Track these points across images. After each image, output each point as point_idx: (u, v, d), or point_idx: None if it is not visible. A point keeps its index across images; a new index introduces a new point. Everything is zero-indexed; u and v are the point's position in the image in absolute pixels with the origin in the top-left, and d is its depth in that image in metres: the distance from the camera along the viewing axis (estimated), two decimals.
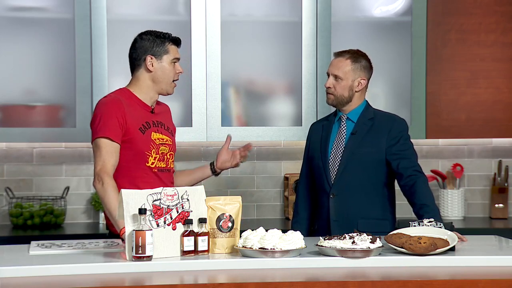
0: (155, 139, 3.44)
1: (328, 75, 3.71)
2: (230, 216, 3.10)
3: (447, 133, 4.69)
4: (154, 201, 2.97)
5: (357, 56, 3.69)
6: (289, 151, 4.89)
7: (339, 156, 3.67)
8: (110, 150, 3.34)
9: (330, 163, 3.69)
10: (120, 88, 3.50)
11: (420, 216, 3.44)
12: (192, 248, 2.99)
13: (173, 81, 3.48)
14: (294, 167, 4.85)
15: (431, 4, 4.61)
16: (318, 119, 4.10)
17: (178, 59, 3.49)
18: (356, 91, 3.68)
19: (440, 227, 3.19)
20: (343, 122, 3.72)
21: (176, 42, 3.50)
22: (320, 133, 3.78)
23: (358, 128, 3.68)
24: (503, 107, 4.69)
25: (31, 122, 4.42)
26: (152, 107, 3.50)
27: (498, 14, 4.67)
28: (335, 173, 3.67)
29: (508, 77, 4.70)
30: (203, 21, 4.48)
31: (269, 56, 4.60)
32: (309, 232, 3.80)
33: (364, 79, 3.69)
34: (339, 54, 3.72)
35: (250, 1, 4.59)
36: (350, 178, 3.64)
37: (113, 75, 4.43)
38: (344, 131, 3.70)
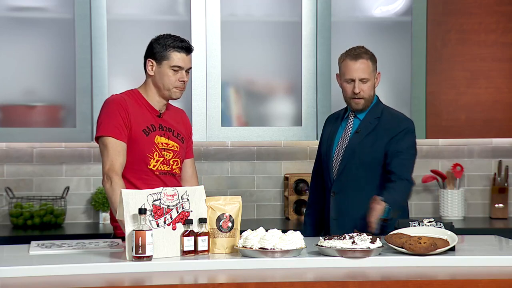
0: (158, 143, 3.42)
1: (349, 81, 3.61)
2: (230, 216, 3.10)
3: (447, 133, 4.69)
4: (154, 201, 2.97)
5: (370, 54, 3.65)
6: (289, 151, 4.88)
7: (341, 154, 3.66)
8: (117, 149, 3.32)
9: (334, 161, 3.67)
10: (131, 89, 3.49)
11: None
12: (192, 248, 2.99)
13: (176, 88, 3.41)
14: (294, 167, 4.85)
15: (431, 4, 4.61)
16: (331, 113, 4.01)
17: (179, 67, 3.40)
18: (375, 87, 3.68)
19: (440, 227, 3.19)
20: (350, 119, 3.70)
21: (183, 49, 3.40)
22: (331, 126, 3.76)
23: (363, 127, 3.65)
24: (503, 107, 4.69)
25: (31, 122, 4.41)
26: (160, 111, 3.47)
27: (498, 14, 4.67)
28: (336, 171, 3.66)
29: (508, 77, 4.70)
30: (203, 21, 4.47)
31: (269, 56, 4.59)
32: (319, 226, 3.79)
33: (379, 73, 3.69)
34: (357, 57, 3.61)
35: (250, 1, 4.59)
36: (350, 177, 3.62)
37: (113, 75, 4.43)
38: (350, 129, 3.68)
